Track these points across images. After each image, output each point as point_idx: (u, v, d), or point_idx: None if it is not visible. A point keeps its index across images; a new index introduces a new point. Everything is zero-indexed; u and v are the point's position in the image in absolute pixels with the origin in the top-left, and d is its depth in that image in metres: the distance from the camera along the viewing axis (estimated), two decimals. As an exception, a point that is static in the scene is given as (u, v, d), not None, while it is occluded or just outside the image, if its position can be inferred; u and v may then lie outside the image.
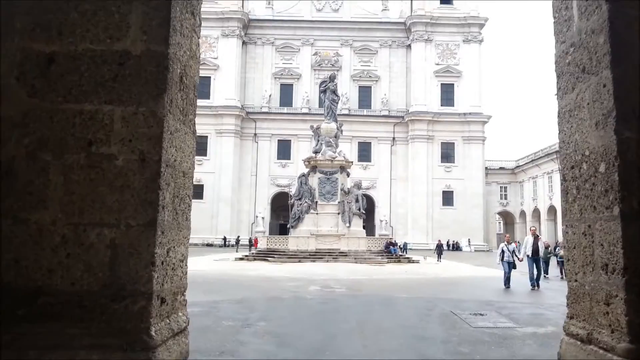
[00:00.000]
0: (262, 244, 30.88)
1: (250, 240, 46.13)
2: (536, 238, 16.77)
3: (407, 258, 29.03)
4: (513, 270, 16.21)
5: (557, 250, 21.29)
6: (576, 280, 4.53)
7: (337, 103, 31.16)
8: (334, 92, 30.30)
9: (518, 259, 16.62)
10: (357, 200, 28.94)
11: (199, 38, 4.79)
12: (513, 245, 17.21)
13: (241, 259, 28.17)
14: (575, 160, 4.60)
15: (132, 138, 3.84)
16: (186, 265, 4.60)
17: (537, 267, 16.02)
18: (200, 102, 60.05)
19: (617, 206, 3.89)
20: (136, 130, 3.85)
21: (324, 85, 31.12)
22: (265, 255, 27.91)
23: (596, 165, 4.21)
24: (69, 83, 3.88)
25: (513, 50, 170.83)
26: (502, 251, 16.45)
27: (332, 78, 30.95)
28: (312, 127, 31.54)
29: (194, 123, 4.69)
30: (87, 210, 3.76)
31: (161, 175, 3.85)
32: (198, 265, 23.40)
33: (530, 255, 16.20)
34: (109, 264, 3.71)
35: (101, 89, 3.89)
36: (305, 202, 28.43)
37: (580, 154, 4.52)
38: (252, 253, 30.83)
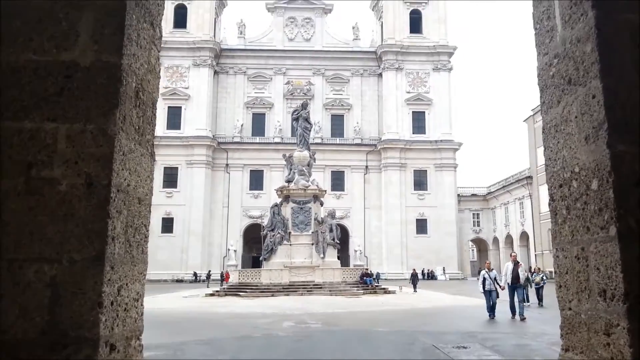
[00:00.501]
0: (233, 278, 29.96)
1: (222, 275, 44.95)
2: (516, 264, 15.99)
3: (383, 289, 28.46)
4: (497, 298, 15.56)
5: (532, 277, 21.02)
6: (570, 309, 4.16)
7: (310, 131, 30.93)
8: (307, 119, 30.07)
9: (500, 287, 15.71)
10: (331, 230, 28.43)
11: (158, 51, 4.38)
12: (494, 272, 16.25)
13: (212, 294, 27.15)
14: (564, 178, 4.28)
15: (78, 159, 3.37)
16: (142, 305, 4.07)
17: (517, 295, 15.35)
18: (170, 133, 60.15)
19: (614, 226, 3.56)
20: (83, 151, 3.38)
21: (296, 113, 30.93)
22: (237, 290, 26.99)
23: (587, 182, 3.90)
24: (7, 98, 3.41)
25: (482, 76, 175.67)
26: (484, 279, 15.54)
27: (304, 106, 30.78)
28: (284, 155, 31.15)
29: (152, 144, 4.23)
30: (25, 243, 3.24)
31: (111, 202, 3.37)
32: (165, 303, 22.46)
33: (510, 283, 15.50)
34: (49, 306, 3.17)
35: (44, 104, 3.43)
36: (278, 233, 27.77)
37: (569, 171, 4.21)
38: (223, 288, 29.81)
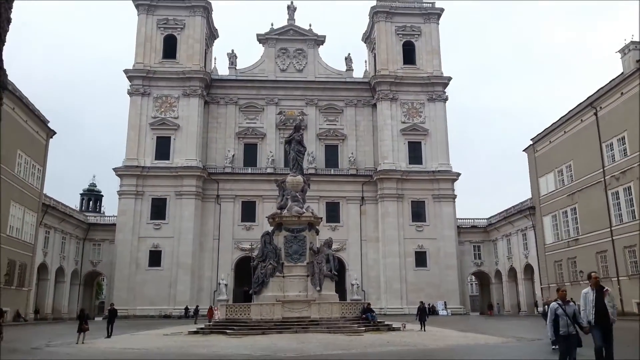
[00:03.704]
0: (221, 314, 27.25)
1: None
2: (600, 291, 10.13)
3: (387, 325, 25.81)
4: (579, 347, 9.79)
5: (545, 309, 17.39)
6: None
7: (304, 155, 28.79)
8: (300, 142, 27.98)
9: (582, 329, 9.87)
10: (328, 261, 25.94)
11: None
12: (573, 306, 10.03)
13: (196, 332, 24.48)
14: None
15: None
16: None
17: (606, 339, 9.79)
18: (159, 163, 58.41)
19: None
20: None
21: (289, 136, 28.97)
22: (224, 327, 24.30)
23: None
24: None
25: (478, 106, 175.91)
26: (556, 316, 9.72)
27: (297, 128, 28.75)
28: (276, 181, 28.94)
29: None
30: None
31: None
32: (142, 342, 19.85)
33: (593, 322, 9.85)
34: None
35: None
36: (270, 263, 25.26)
37: None
38: (209, 325, 27.06)
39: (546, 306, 16.94)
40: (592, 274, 10.51)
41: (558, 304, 9.90)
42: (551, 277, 49.58)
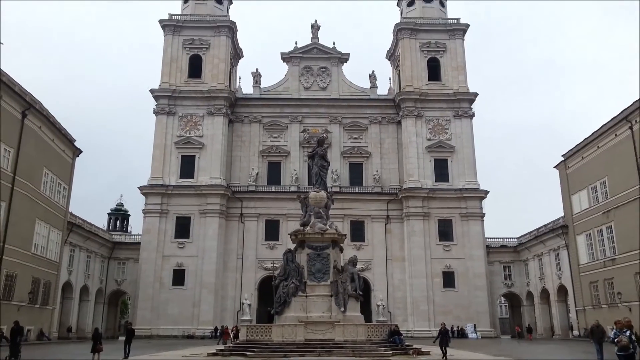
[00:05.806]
0: (242, 335, 26.39)
1: (237, 330, 40.98)
2: None
3: (415, 349, 24.53)
4: None
5: (613, 334, 13.97)
6: None
7: (327, 169, 27.99)
8: (323, 157, 27.25)
9: None
10: (352, 280, 24.90)
11: None
12: None
13: (215, 354, 23.61)
14: None
15: None
16: None
17: None
18: (184, 182, 58.30)
19: None
20: None
21: (312, 150, 28.26)
22: (245, 348, 23.40)
23: None
24: None
25: (506, 122, 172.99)
26: None
27: (320, 142, 28.03)
28: (299, 196, 28.20)
29: None
30: None
31: None
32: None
33: None
34: None
35: None
36: (292, 282, 24.37)
37: None
38: (229, 347, 26.21)
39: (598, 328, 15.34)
40: None
41: None
42: (587, 299, 47.30)
